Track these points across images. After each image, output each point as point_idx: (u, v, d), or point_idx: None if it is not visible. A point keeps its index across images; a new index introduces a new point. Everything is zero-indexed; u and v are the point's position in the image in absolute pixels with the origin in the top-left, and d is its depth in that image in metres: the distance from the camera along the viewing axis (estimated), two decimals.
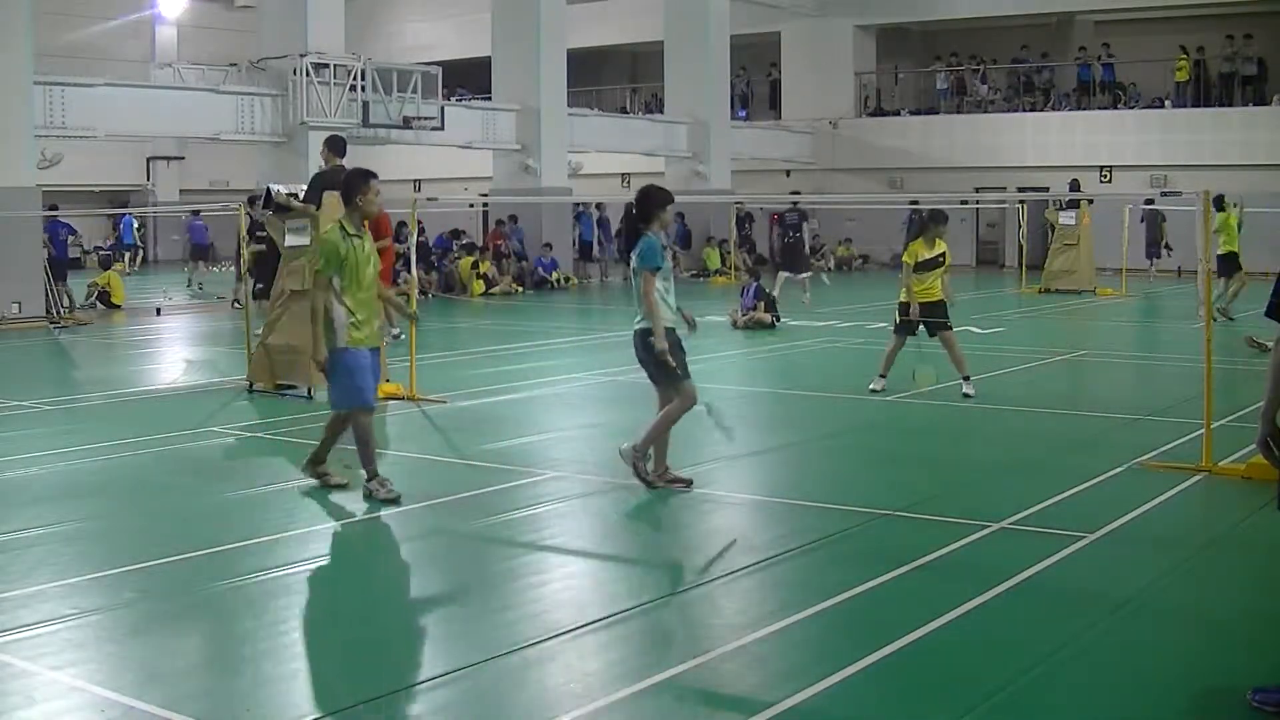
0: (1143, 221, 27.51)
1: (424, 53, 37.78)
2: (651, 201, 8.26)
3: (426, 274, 24.82)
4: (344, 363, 8.04)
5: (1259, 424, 4.73)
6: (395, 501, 8.02)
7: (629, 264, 8.33)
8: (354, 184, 8.18)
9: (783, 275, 22.86)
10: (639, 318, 8.23)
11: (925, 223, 12.78)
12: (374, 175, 8.27)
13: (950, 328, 12.28)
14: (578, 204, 29.35)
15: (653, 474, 8.37)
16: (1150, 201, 26.29)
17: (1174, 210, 25.41)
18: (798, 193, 32.73)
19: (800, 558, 6.94)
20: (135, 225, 37.05)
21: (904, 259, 12.54)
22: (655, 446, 8.38)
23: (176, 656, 5.58)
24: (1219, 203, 18.38)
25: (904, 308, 12.31)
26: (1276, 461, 4.67)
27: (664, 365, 8.15)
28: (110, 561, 6.81)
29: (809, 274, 23.76)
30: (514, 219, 28.97)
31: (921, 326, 12.26)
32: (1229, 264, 19.50)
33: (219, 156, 35.52)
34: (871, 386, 12.44)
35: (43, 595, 6.26)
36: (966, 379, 12.19)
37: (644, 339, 8.20)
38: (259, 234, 17.08)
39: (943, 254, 12.29)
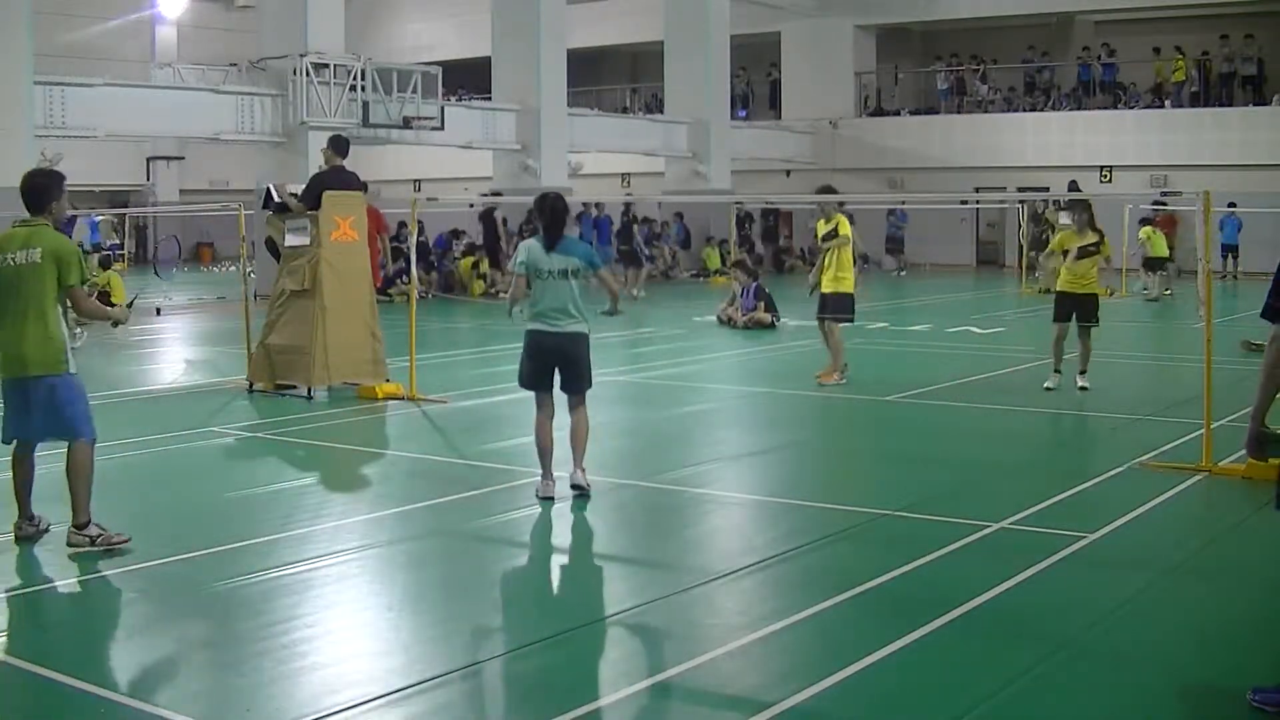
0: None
1: (424, 53, 37.80)
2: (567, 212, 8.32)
3: (426, 274, 24.82)
4: None
5: (1249, 423, 4.74)
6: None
7: (556, 264, 7.96)
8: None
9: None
10: (578, 320, 8.03)
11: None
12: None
13: (1096, 323, 12.42)
14: (584, 203, 29.27)
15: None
16: (1162, 203, 26.46)
17: (1187, 210, 25.82)
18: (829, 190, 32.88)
19: (800, 558, 6.94)
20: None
21: (1052, 247, 12.84)
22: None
23: (176, 656, 5.59)
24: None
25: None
26: (1265, 458, 4.69)
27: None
28: (110, 562, 6.81)
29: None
30: (504, 221, 28.77)
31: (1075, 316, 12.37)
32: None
33: (219, 156, 35.51)
34: (1046, 385, 12.39)
35: (43, 595, 6.26)
36: (1082, 373, 12.38)
37: (581, 342, 8.09)
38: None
39: (1095, 243, 12.29)
